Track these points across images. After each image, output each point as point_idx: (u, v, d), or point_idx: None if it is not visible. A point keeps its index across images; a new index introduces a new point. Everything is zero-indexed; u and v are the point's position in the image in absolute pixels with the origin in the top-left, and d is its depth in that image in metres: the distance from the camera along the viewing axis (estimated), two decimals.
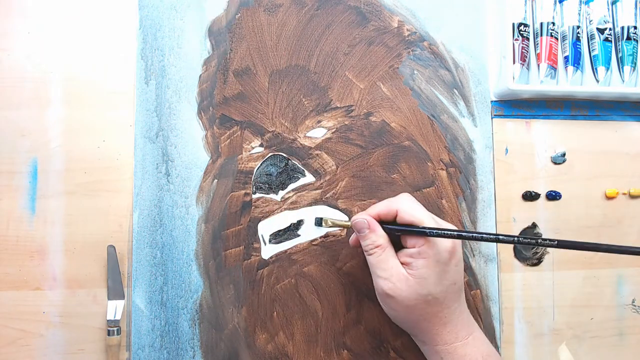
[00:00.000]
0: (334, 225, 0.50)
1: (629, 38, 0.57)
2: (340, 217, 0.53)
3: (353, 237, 0.49)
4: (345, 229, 0.53)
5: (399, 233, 0.45)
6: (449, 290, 0.43)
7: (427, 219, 0.44)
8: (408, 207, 0.44)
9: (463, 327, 0.44)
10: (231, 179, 0.52)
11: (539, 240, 0.39)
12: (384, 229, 0.45)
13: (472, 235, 0.44)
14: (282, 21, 0.54)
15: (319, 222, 0.51)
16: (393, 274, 0.43)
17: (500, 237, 0.41)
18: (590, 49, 0.58)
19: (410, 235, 0.44)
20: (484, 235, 0.44)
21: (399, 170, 0.54)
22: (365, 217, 0.45)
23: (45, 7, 0.52)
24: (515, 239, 0.40)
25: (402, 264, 0.44)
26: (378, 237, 0.44)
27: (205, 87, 0.53)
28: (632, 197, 0.58)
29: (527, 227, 0.57)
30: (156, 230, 0.51)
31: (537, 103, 0.58)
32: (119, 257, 0.51)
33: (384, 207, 0.45)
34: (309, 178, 0.53)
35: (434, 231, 0.42)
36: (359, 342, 0.52)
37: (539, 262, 0.57)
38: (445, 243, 0.43)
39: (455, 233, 0.42)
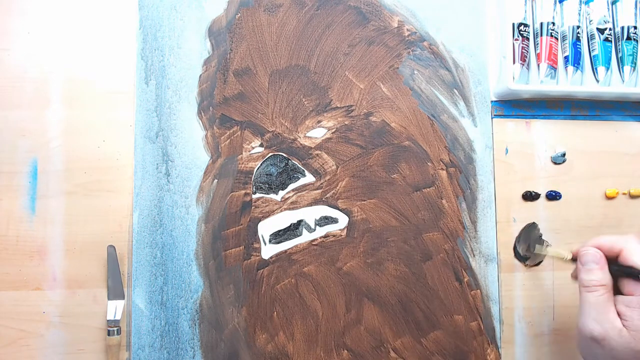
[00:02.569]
0: (552, 255, 0.49)
1: (629, 38, 0.57)
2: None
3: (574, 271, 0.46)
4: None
5: (619, 273, 0.41)
6: None
7: None
8: (635, 249, 0.40)
9: None
10: (231, 179, 0.52)
11: None
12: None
13: None
14: (282, 21, 0.54)
15: (534, 247, 0.52)
16: (608, 319, 0.39)
17: None
18: (590, 49, 0.58)
19: (631, 280, 0.40)
20: None
21: (399, 170, 0.54)
22: (597, 251, 0.42)
23: (45, 7, 0.52)
24: None
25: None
26: (605, 276, 0.41)
27: (205, 87, 0.53)
28: (632, 197, 0.58)
29: (528, 226, 0.57)
30: (156, 230, 0.51)
31: (537, 103, 0.58)
32: (119, 257, 0.51)
33: (608, 242, 0.42)
34: (309, 178, 0.53)
35: None
36: (359, 342, 0.52)
37: (539, 262, 0.57)
38: None
39: None
